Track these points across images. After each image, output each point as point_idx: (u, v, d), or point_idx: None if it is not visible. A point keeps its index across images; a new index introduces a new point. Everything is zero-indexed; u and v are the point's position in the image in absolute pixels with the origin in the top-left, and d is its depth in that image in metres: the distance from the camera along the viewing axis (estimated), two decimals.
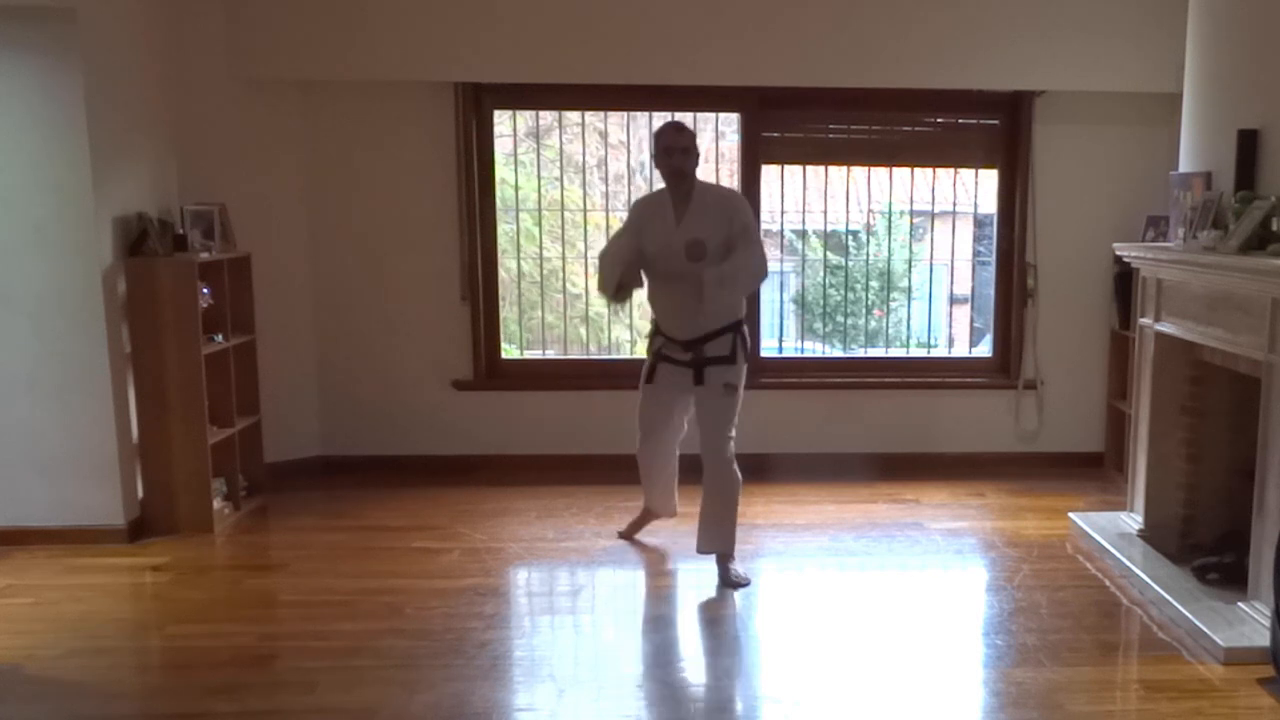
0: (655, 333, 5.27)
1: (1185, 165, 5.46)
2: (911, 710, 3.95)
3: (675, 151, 5.01)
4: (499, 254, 6.95)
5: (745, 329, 5.19)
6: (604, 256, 5.25)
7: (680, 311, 5.06)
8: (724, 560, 5.15)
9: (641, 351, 5.76)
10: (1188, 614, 4.53)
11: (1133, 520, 5.60)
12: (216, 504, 5.88)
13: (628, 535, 5.70)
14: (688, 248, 4.95)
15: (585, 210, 7.05)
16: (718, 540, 5.17)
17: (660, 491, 5.62)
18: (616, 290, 5.12)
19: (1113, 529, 5.58)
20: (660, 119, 6.87)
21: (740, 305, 5.15)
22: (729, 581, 5.07)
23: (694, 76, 6.46)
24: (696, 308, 4.92)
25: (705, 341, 5.07)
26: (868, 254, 7.32)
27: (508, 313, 7.15)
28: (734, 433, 5.16)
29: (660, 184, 5.22)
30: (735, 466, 5.15)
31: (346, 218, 6.74)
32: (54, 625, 4.63)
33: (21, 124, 5.34)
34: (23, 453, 5.51)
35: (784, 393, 6.99)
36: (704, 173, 7.18)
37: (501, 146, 6.98)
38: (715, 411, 5.11)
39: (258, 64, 6.36)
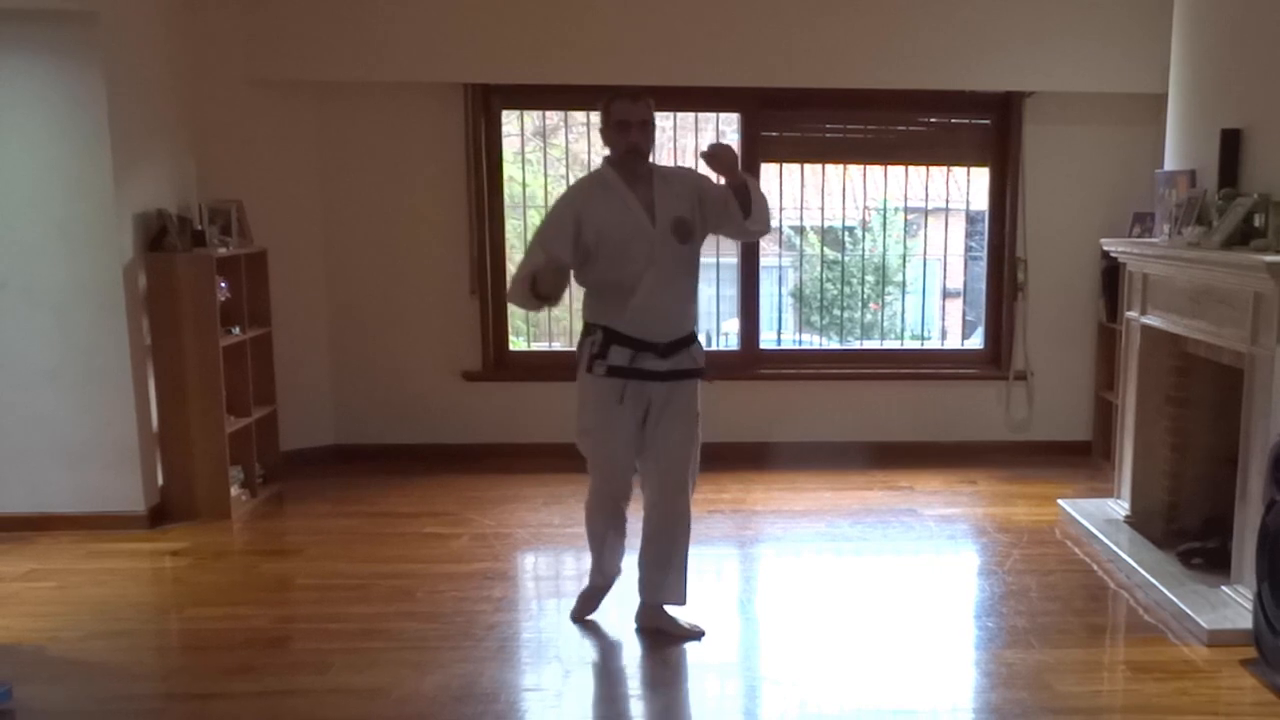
0: (606, 340, 4.11)
1: (1170, 163, 5.43)
2: (906, 690, 3.93)
3: (633, 126, 4.06)
4: (507, 249, 6.94)
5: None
6: (514, 284, 4.21)
7: (664, 306, 4.13)
8: (667, 610, 4.41)
9: None
10: (1173, 597, 4.51)
11: (1119, 507, 5.58)
12: (234, 491, 5.87)
13: (580, 616, 4.53)
14: (675, 227, 4.10)
15: None
16: (674, 589, 4.37)
17: (614, 553, 4.49)
18: (537, 297, 4.05)
19: (1100, 515, 5.56)
20: (663, 119, 6.86)
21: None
22: (684, 632, 4.35)
23: (696, 77, 6.44)
24: (681, 300, 4.19)
25: (681, 347, 4.17)
26: (863, 249, 7.29)
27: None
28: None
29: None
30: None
31: (360, 214, 6.72)
32: (76, 608, 4.63)
33: (45, 124, 5.34)
34: (46, 441, 5.51)
35: (782, 383, 6.99)
36: (705, 173, 7.18)
37: (509, 145, 6.98)
38: (685, 439, 4.23)
39: (274, 66, 6.35)
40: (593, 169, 4.37)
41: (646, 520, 4.32)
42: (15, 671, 3.91)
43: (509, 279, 6.81)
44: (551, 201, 7.04)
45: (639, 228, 4.08)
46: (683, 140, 6.95)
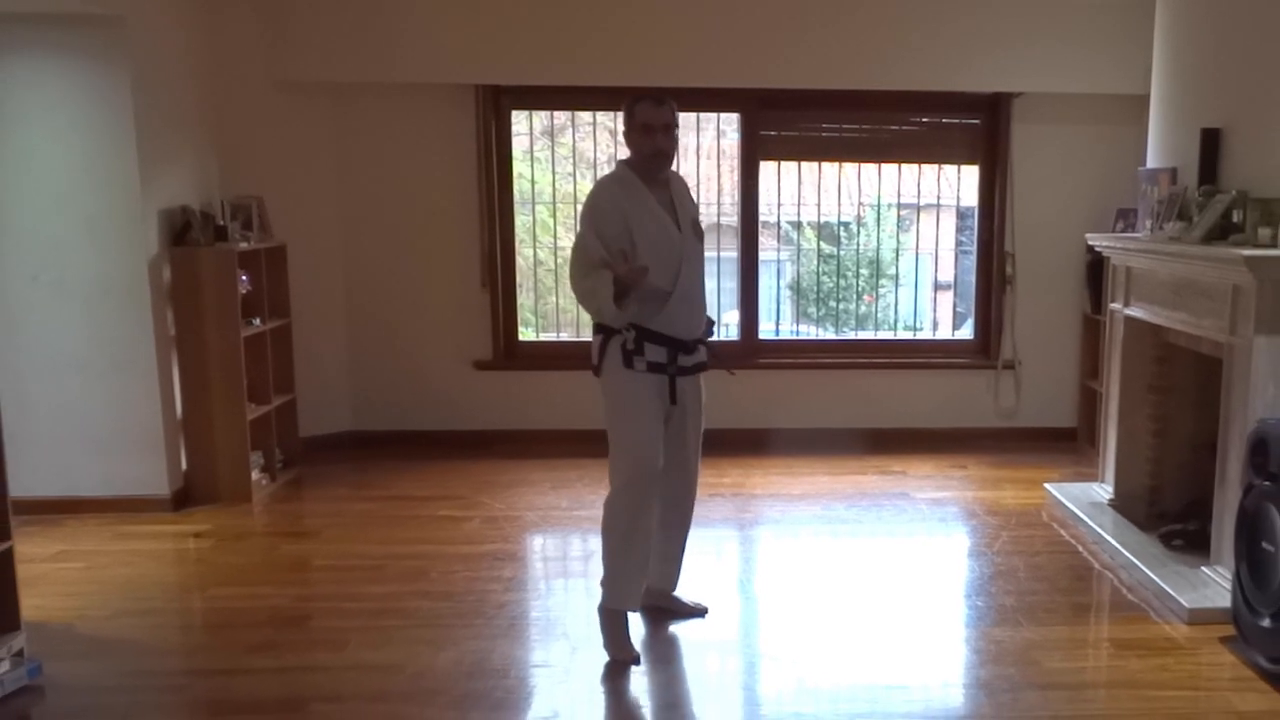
0: (639, 338, 3.87)
1: (1152, 161, 5.41)
2: (899, 666, 3.93)
3: (657, 130, 3.90)
4: (517, 243, 6.93)
5: None
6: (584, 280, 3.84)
7: (693, 305, 3.98)
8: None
9: None
10: (1155, 577, 4.51)
11: (1103, 490, 5.57)
12: (254, 475, 5.87)
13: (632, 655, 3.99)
14: (694, 228, 4.02)
15: None
16: (676, 577, 4.34)
17: (644, 556, 4.06)
18: (618, 294, 3.71)
19: (1085, 498, 5.55)
20: None
21: None
22: (689, 610, 4.33)
23: (698, 79, 6.41)
24: (703, 298, 4.05)
25: (701, 342, 4.07)
26: (858, 244, 7.27)
27: (524, 298, 7.13)
28: None
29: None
30: None
31: (375, 210, 6.71)
32: (103, 588, 4.63)
33: (74, 124, 5.33)
34: (75, 428, 5.51)
35: (780, 372, 6.98)
36: (706, 170, 7.20)
37: (519, 144, 6.95)
38: (699, 432, 4.17)
39: (293, 67, 6.33)
40: (610, 170, 4.14)
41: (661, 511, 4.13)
42: (45, 648, 3.91)
43: (519, 272, 6.92)
44: (560, 198, 7.12)
45: (667, 230, 3.90)
46: (684, 140, 6.92)
